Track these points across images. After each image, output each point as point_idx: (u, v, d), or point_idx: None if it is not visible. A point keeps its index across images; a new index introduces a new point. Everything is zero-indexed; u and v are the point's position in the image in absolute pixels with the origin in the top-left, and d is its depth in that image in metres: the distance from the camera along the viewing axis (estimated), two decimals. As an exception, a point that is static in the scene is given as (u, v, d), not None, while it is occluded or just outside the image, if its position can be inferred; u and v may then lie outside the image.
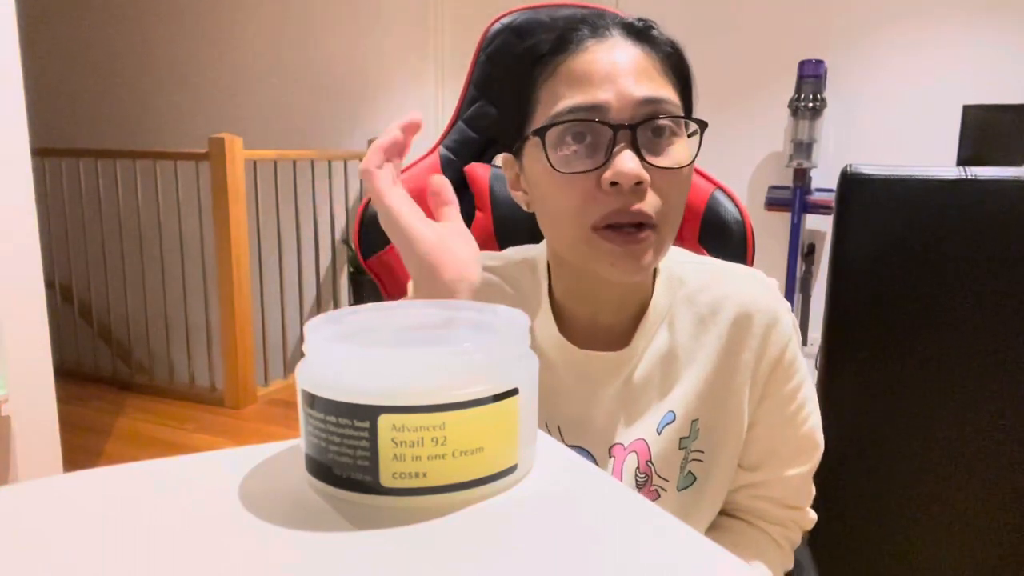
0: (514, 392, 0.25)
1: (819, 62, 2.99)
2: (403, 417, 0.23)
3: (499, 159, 1.03)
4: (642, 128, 0.60)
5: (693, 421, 0.70)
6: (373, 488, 0.24)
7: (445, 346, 0.26)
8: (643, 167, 0.59)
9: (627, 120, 0.60)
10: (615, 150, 0.59)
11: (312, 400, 0.25)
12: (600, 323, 0.70)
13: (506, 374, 0.25)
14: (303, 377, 0.25)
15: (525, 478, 0.27)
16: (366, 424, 0.23)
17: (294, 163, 3.36)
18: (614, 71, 0.61)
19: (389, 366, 0.24)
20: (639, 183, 0.59)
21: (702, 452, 0.70)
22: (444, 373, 0.24)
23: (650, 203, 0.60)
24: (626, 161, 0.58)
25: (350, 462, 0.24)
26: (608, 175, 0.59)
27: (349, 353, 0.24)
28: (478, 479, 0.24)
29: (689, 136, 0.64)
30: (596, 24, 0.64)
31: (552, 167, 0.62)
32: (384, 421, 0.23)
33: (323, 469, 0.25)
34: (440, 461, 0.24)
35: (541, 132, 0.62)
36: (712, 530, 0.75)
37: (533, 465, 0.27)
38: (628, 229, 0.61)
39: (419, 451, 0.24)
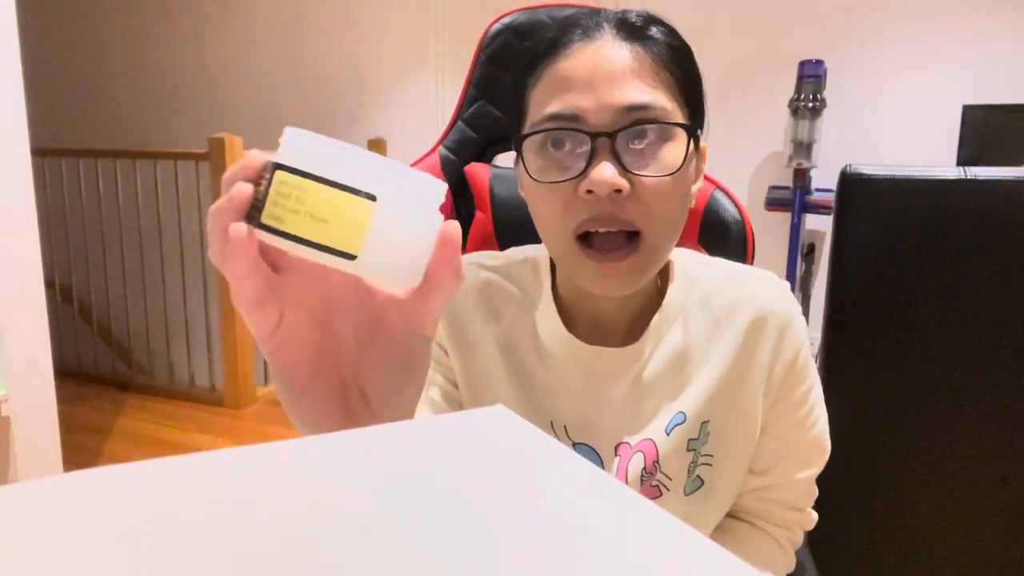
0: (371, 198, 0.33)
1: (819, 62, 2.99)
2: (285, 175, 0.33)
3: (500, 159, 1.04)
4: (624, 135, 0.58)
5: (703, 423, 0.69)
6: (256, 221, 0.34)
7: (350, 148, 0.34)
8: (624, 175, 0.58)
9: (607, 127, 0.58)
10: (594, 159, 0.58)
11: (266, 167, 0.34)
12: (606, 320, 0.69)
13: (370, 185, 0.33)
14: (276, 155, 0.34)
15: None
16: (270, 175, 0.33)
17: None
18: (595, 76, 0.59)
19: (301, 139, 0.34)
20: (618, 191, 0.57)
21: (711, 456, 0.70)
22: (327, 160, 0.33)
23: (632, 211, 0.59)
24: (602, 170, 0.57)
25: (258, 204, 0.34)
26: (584, 184, 0.58)
27: (295, 134, 0.34)
28: (319, 244, 0.33)
29: (690, 138, 0.61)
30: (588, 25, 0.61)
31: (531, 176, 0.61)
32: (278, 175, 0.33)
33: (247, 212, 0.34)
34: (295, 215, 0.33)
35: (521, 140, 0.62)
36: (714, 531, 0.75)
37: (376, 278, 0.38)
38: (608, 246, 0.59)
39: (285, 202, 0.33)
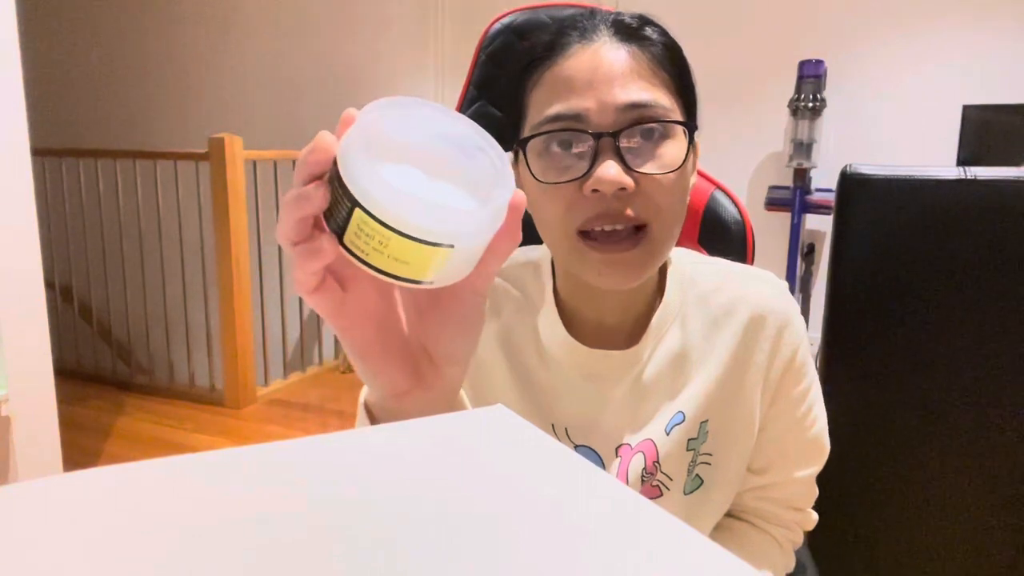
0: (450, 246, 0.35)
1: (819, 62, 2.99)
2: (366, 217, 0.34)
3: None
4: (627, 133, 0.59)
5: (702, 423, 0.69)
6: (340, 239, 0.36)
7: (426, 189, 0.36)
8: (628, 173, 0.58)
9: (609, 127, 0.58)
10: (598, 158, 0.58)
11: (337, 174, 0.35)
12: (607, 322, 0.69)
13: (449, 230, 0.35)
14: (342, 154, 0.35)
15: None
16: (349, 204, 0.34)
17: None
18: (596, 77, 0.59)
19: (379, 179, 0.34)
20: (622, 189, 0.58)
21: (710, 455, 0.70)
22: (406, 209, 0.34)
23: (637, 207, 0.59)
24: (607, 169, 0.57)
25: (337, 221, 0.36)
26: (589, 183, 0.58)
27: (368, 156, 0.35)
28: (400, 276, 0.36)
29: (688, 138, 0.62)
30: (585, 26, 0.62)
31: (535, 178, 0.61)
32: (359, 215, 0.34)
33: (326, 217, 0.37)
34: (379, 255, 0.35)
35: (525, 142, 0.62)
36: (715, 531, 0.75)
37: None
38: (614, 236, 0.60)
39: (369, 240, 0.35)
